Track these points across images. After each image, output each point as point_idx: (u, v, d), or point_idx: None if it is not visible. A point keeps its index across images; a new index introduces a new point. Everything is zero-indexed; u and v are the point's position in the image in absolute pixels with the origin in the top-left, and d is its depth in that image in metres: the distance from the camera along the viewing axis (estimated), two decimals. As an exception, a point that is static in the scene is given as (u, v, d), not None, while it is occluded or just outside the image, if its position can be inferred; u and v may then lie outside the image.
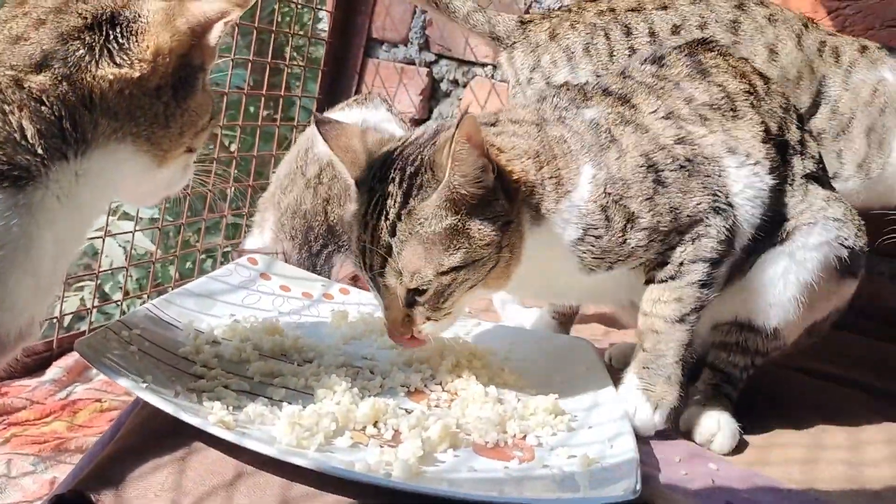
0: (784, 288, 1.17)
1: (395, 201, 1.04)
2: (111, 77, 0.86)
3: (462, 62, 2.17)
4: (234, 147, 2.38)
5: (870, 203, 1.49)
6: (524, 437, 1.04)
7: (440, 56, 2.20)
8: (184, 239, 2.07)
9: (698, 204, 1.12)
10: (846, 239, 1.20)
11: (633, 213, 1.10)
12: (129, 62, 0.87)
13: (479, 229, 1.03)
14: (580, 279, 1.15)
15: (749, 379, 1.25)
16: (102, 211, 0.97)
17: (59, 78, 0.84)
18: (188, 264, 2.35)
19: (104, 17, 0.88)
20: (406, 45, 2.22)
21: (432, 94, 2.22)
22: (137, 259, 2.28)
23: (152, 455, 0.92)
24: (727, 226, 1.13)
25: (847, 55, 1.50)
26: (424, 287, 1.04)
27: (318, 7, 2.25)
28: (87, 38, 0.86)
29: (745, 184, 1.15)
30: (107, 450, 0.97)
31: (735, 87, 1.21)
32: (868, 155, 1.47)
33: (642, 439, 1.10)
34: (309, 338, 1.19)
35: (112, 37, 0.87)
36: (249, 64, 2.01)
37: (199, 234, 1.97)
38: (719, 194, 1.13)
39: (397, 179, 1.05)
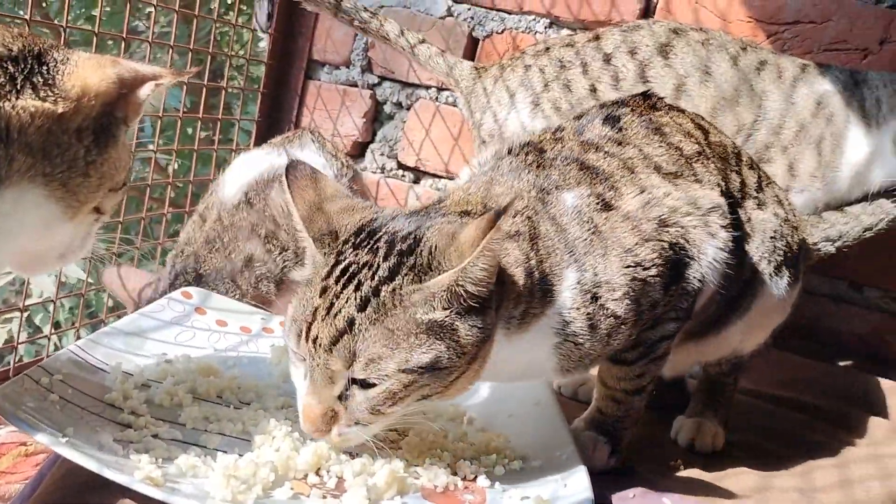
0: (768, 325, 1.27)
1: (373, 274, 0.90)
2: (32, 109, 0.82)
3: (406, 84, 2.14)
4: (171, 169, 2.31)
5: (826, 208, 1.54)
6: (475, 478, 0.99)
7: (383, 78, 2.16)
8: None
9: (677, 292, 1.06)
10: (790, 252, 1.22)
11: (620, 316, 1.01)
12: (52, 97, 0.84)
13: (466, 334, 0.90)
14: (552, 374, 1.08)
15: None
16: (6, 264, 0.91)
17: None
18: (122, 294, 2.25)
19: (32, 53, 0.85)
20: (348, 67, 2.18)
21: (376, 117, 2.18)
22: (69, 289, 2.18)
23: (75, 513, 0.85)
24: (692, 303, 1.09)
25: (789, 72, 1.54)
26: (374, 381, 0.89)
27: (255, 29, 2.19)
28: (11, 68, 0.83)
29: (714, 255, 1.08)
30: (26, 506, 0.90)
31: (690, 148, 1.15)
32: (820, 164, 1.50)
33: (597, 475, 1.07)
34: (247, 377, 1.13)
35: (37, 71, 0.84)
36: (184, 85, 1.94)
37: (132, 261, 1.89)
38: (695, 277, 1.07)
39: (382, 252, 0.92)
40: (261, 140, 2.05)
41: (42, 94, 0.84)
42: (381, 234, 0.94)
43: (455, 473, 0.99)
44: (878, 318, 1.83)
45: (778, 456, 1.28)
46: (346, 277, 0.91)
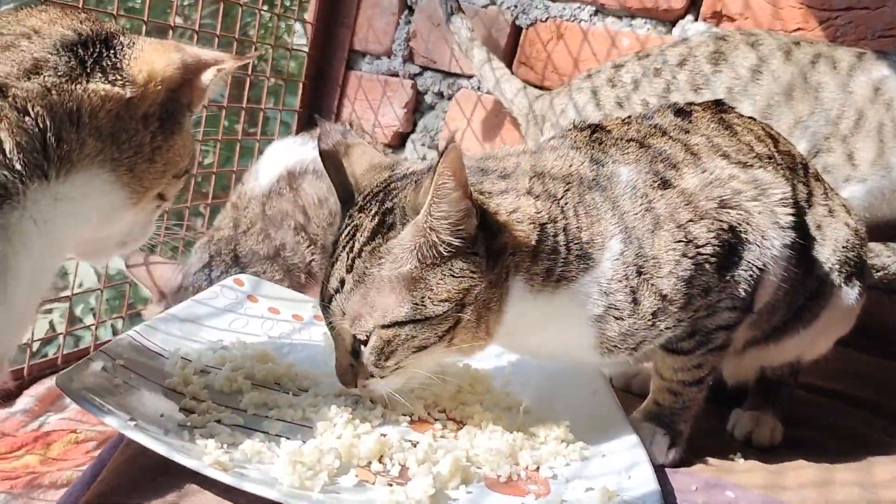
0: (834, 335, 1.26)
1: (362, 236, 0.94)
2: (102, 93, 0.82)
3: (447, 74, 2.12)
4: (209, 161, 2.31)
5: (893, 205, 1.50)
6: (537, 468, 0.98)
7: (424, 68, 2.15)
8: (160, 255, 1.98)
9: (734, 279, 1.02)
10: (860, 262, 1.20)
11: (666, 295, 0.99)
12: (121, 81, 0.84)
13: (439, 282, 0.91)
14: (592, 352, 1.04)
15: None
16: (70, 251, 0.91)
17: (49, 87, 0.79)
18: (164, 284, 2.26)
19: (100, 37, 0.85)
20: (389, 57, 2.17)
21: (417, 107, 2.17)
22: (110, 279, 2.19)
23: (141, 497, 0.85)
24: (751, 294, 1.05)
25: (845, 62, 1.51)
26: (363, 337, 0.94)
27: (298, 19, 2.18)
28: (81, 52, 0.83)
29: (780, 246, 1.05)
30: (90, 491, 0.90)
31: (761, 150, 1.14)
32: (881, 151, 1.46)
33: (657, 467, 1.05)
34: (302, 364, 1.13)
35: (106, 55, 0.84)
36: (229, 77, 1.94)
37: (175, 252, 1.89)
38: (755, 264, 1.03)
39: (372, 212, 0.95)
40: (302, 130, 2.05)
41: (111, 77, 0.83)
42: (381, 194, 0.97)
43: (517, 463, 0.98)
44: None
45: (837, 451, 1.25)
46: (346, 239, 0.96)
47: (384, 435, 0.95)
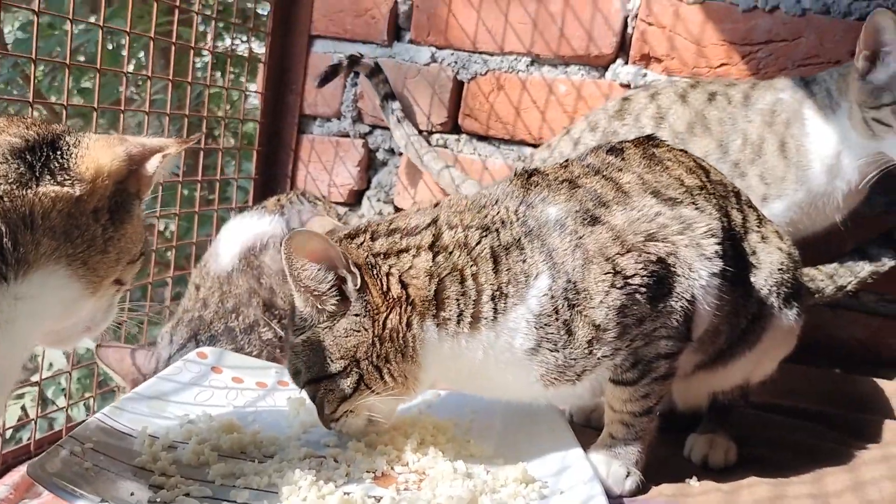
0: (777, 356, 1.32)
1: None
2: (52, 195, 0.86)
3: (396, 131, 2.19)
4: (171, 232, 2.35)
5: (814, 217, 1.59)
6: (497, 511, 1.02)
7: (374, 126, 2.22)
8: (127, 334, 2.01)
9: (666, 309, 1.09)
10: (796, 284, 1.26)
11: (599, 324, 1.06)
12: (69, 181, 0.88)
13: (332, 343, 1.07)
14: (538, 386, 1.11)
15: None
16: (36, 343, 0.95)
17: (1, 195, 0.83)
18: (134, 358, 2.27)
19: (46, 141, 0.90)
20: (339, 119, 2.24)
21: (369, 165, 2.24)
22: (80, 359, 2.20)
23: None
24: (685, 323, 1.12)
25: (739, 94, 1.63)
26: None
27: (247, 91, 2.25)
28: (29, 158, 0.87)
29: (707, 277, 1.11)
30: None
31: (692, 182, 1.21)
32: (789, 166, 1.56)
33: (615, 498, 1.10)
34: (268, 431, 1.16)
35: (53, 157, 0.88)
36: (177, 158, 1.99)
37: (140, 327, 1.92)
38: (684, 295, 1.10)
39: None
40: (259, 197, 2.10)
41: (60, 178, 0.87)
42: None
43: (478, 508, 1.02)
44: (877, 323, 1.87)
45: (790, 465, 1.30)
46: None
47: (348, 493, 0.99)
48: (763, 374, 1.34)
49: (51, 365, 2.20)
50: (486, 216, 1.11)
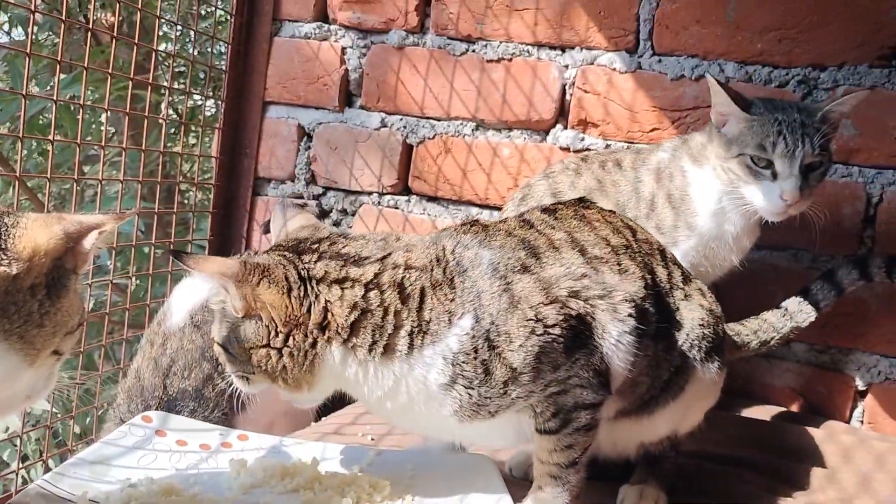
0: (701, 408, 1.37)
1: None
2: None
3: (349, 192, 2.27)
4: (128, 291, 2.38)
5: (712, 260, 1.70)
6: (426, 568, 1.06)
7: (327, 188, 2.29)
8: (80, 393, 2.03)
9: (580, 360, 1.15)
10: (717, 339, 1.33)
11: (516, 368, 1.12)
12: (6, 260, 0.92)
13: (239, 335, 1.14)
14: (452, 421, 1.16)
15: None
16: None
17: None
18: (88, 420, 2.29)
19: None
20: (293, 181, 2.31)
21: (323, 225, 2.30)
22: (34, 420, 2.21)
23: None
24: (598, 376, 1.17)
25: (629, 159, 1.78)
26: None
27: (204, 155, 2.31)
28: None
29: (618, 336, 1.18)
30: None
31: (617, 241, 1.28)
32: (678, 214, 1.69)
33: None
34: (208, 492, 1.19)
35: None
36: (136, 215, 2.05)
37: (97, 386, 1.94)
38: (596, 349, 1.16)
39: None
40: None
41: None
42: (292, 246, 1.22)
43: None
44: (809, 372, 1.95)
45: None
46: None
47: (281, 553, 1.03)
48: (690, 425, 1.40)
49: (7, 428, 2.20)
50: (427, 255, 1.18)
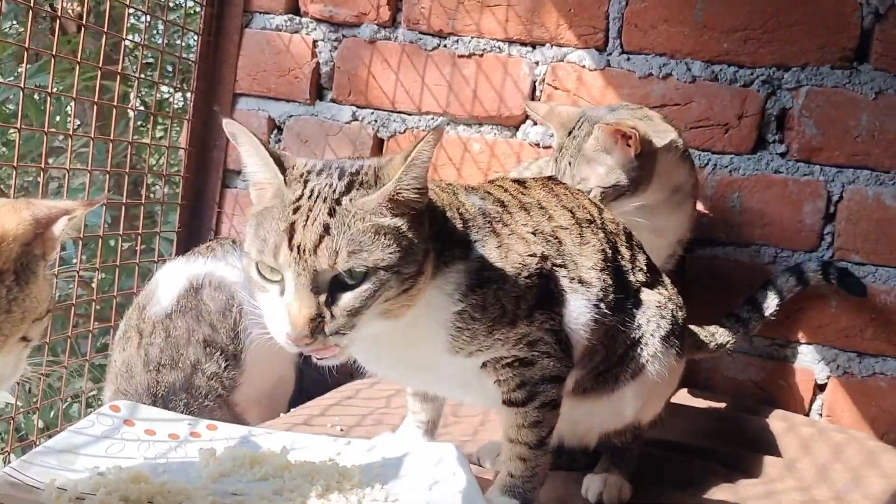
0: (661, 394, 1.40)
1: (335, 189, 1.05)
2: None
3: (319, 185, 2.26)
4: (94, 284, 2.36)
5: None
6: (395, 558, 1.07)
7: (297, 181, 2.28)
8: (45, 387, 2.01)
9: (545, 316, 1.20)
10: (676, 326, 1.37)
11: (504, 306, 1.17)
12: None
13: (415, 239, 1.05)
14: (440, 359, 1.19)
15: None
16: None
17: None
18: (52, 413, 2.27)
19: None
20: (263, 174, 2.30)
21: (292, 218, 2.30)
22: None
23: None
24: (563, 343, 1.22)
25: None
26: (352, 283, 1.02)
27: (173, 146, 2.30)
28: None
29: (576, 309, 1.24)
30: None
31: (582, 216, 1.34)
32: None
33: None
34: (176, 481, 1.19)
35: None
36: (104, 204, 2.03)
37: (61, 380, 1.93)
38: (558, 314, 1.22)
39: (336, 175, 1.07)
40: (183, 249, 2.14)
41: None
42: (334, 165, 1.11)
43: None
44: (770, 365, 2.00)
45: (682, 501, 1.39)
46: (315, 195, 1.05)
47: (250, 539, 1.03)
48: (652, 413, 1.42)
49: (-32, 420, 2.17)
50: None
